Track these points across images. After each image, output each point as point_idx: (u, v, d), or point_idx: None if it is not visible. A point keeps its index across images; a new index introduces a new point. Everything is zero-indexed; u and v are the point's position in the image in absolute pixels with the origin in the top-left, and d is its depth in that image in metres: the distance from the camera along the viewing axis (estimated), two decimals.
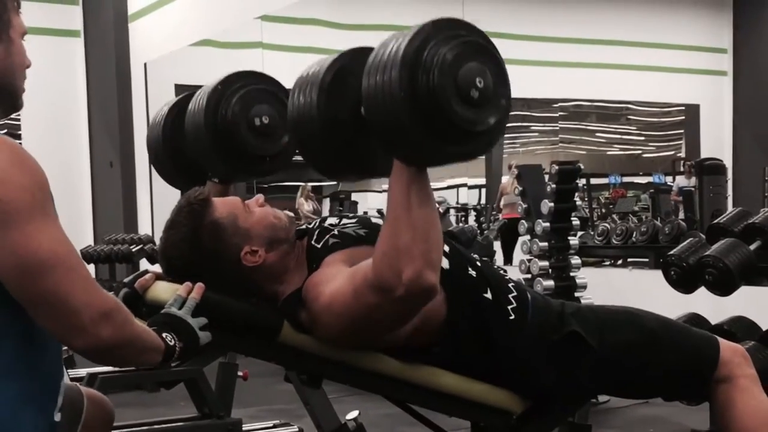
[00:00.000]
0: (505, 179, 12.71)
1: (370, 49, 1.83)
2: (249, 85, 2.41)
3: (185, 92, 2.58)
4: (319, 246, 2.10)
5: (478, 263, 2.18)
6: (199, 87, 2.47)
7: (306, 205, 12.95)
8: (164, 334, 1.76)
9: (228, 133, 2.36)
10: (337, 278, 1.95)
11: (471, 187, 15.01)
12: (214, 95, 2.37)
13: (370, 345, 2.04)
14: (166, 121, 2.55)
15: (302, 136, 1.97)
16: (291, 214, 2.16)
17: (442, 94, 1.71)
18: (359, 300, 1.87)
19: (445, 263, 2.07)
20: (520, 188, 5.79)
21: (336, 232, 2.12)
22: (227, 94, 2.37)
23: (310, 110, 1.92)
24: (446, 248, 2.12)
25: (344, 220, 2.17)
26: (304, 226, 2.20)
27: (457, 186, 15.52)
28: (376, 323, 1.91)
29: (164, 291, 1.95)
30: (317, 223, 2.19)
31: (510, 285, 2.19)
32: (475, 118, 1.76)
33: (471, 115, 1.75)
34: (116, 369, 4.05)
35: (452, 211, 14.86)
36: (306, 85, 1.95)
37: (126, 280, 2.01)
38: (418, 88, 1.70)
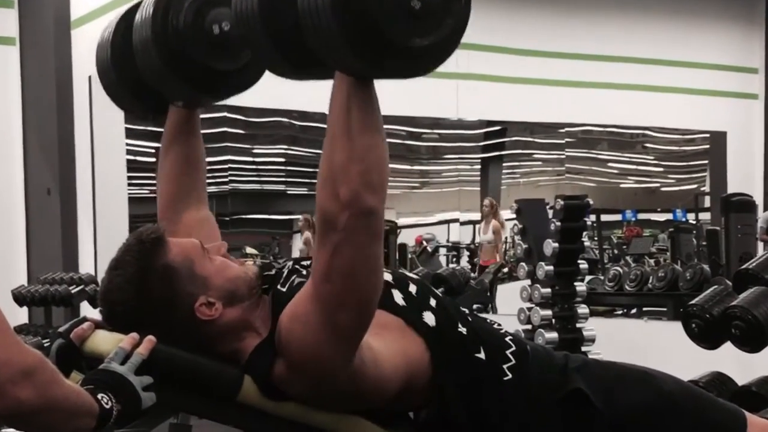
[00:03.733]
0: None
1: None
2: None
3: None
4: (284, 290, 2.09)
5: (470, 318, 2.17)
6: None
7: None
8: (99, 395, 1.73)
9: (180, 47, 2.26)
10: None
11: (463, 223, 15.01)
12: (161, 2, 2.26)
13: (350, 405, 2.03)
14: (114, 40, 2.42)
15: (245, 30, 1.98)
16: (255, 267, 2.14)
17: None
18: (319, 260, 1.87)
19: (431, 319, 2.08)
20: (520, 226, 5.80)
21: (305, 272, 2.11)
22: None
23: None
24: (432, 302, 2.12)
25: None
26: (273, 272, 2.18)
27: (448, 222, 15.52)
28: (344, 303, 1.88)
29: (105, 342, 1.94)
30: (290, 265, 2.18)
31: (507, 339, 2.19)
32: (410, 32, 1.74)
33: (405, 28, 1.73)
34: None
35: (442, 250, 14.85)
36: None
37: (61, 329, 1.98)
38: None
